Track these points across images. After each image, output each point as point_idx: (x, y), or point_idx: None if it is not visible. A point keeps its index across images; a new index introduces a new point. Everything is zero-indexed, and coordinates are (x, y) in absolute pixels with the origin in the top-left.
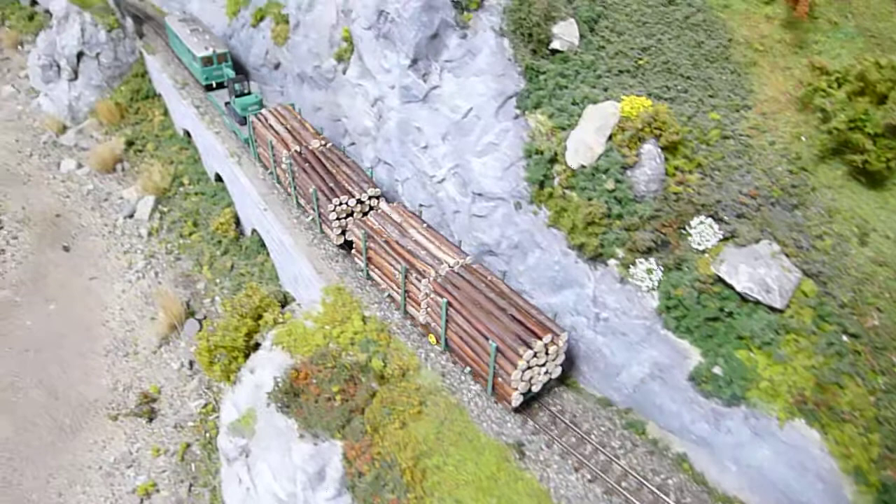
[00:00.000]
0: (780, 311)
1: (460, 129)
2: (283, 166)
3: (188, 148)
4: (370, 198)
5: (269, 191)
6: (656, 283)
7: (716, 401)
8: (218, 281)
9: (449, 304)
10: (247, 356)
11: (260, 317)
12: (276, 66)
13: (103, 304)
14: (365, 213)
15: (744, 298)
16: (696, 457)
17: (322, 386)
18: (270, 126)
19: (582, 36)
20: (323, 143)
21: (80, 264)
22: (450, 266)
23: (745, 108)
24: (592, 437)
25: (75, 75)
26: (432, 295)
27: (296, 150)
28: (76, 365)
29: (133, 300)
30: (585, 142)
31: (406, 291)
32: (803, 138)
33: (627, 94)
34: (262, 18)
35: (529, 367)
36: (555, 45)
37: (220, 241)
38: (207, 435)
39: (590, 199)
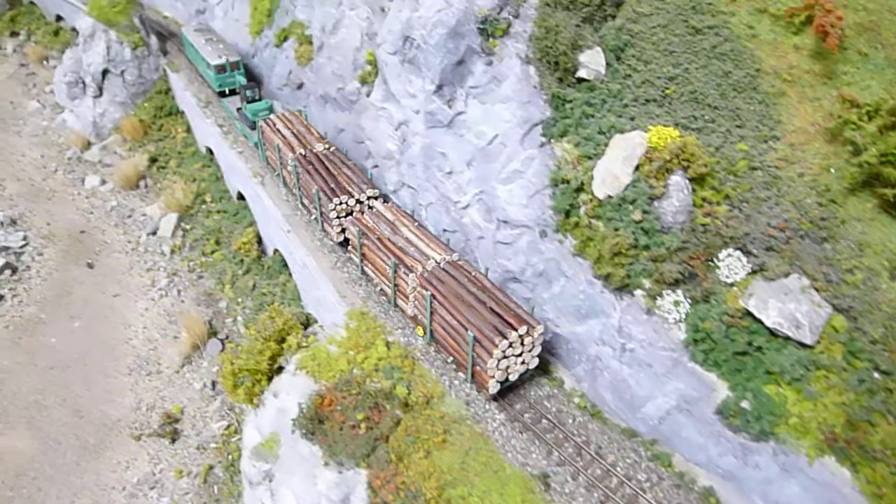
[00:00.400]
0: (811, 347)
1: (485, 155)
2: (289, 168)
3: (210, 165)
4: (369, 198)
5: (292, 212)
6: (684, 316)
7: (744, 435)
8: (240, 300)
9: (433, 296)
10: (270, 379)
11: (283, 340)
12: (299, 87)
13: (126, 322)
14: (363, 213)
15: (773, 333)
16: (723, 491)
17: (347, 413)
18: (278, 130)
19: (608, 64)
20: (326, 146)
21: (103, 281)
22: (436, 262)
23: (774, 138)
24: (618, 468)
25: (100, 92)
26: (418, 288)
27: (300, 153)
28: (100, 383)
29: (156, 318)
30: (612, 172)
31: (395, 285)
32: (832, 170)
33: (654, 124)
34: (285, 39)
35: (505, 357)
36: (581, 73)
37: (242, 261)
38: (230, 457)
39: (616, 230)
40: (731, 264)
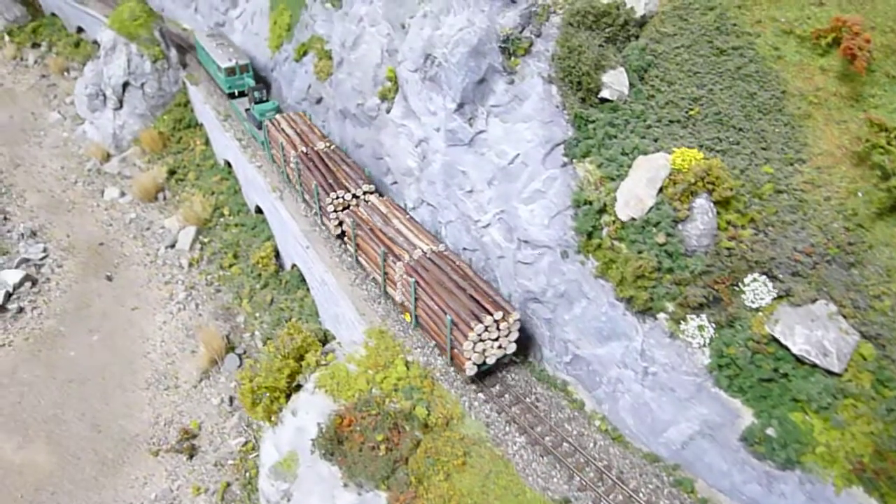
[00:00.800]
0: (838, 375)
1: (507, 174)
2: (291, 165)
3: (228, 178)
4: (365, 193)
5: (311, 228)
6: (708, 341)
7: (769, 463)
8: (258, 315)
9: (417, 283)
10: (288, 396)
11: (302, 357)
12: (318, 101)
13: (145, 336)
14: (358, 206)
15: (800, 360)
16: None
17: (366, 434)
18: (282, 129)
19: (632, 85)
20: (327, 144)
21: (122, 294)
22: (423, 251)
23: (800, 161)
24: (640, 494)
25: (120, 104)
26: (405, 276)
27: (302, 151)
28: (118, 398)
29: (174, 332)
30: (636, 194)
31: (385, 273)
32: (860, 194)
33: (678, 145)
34: (304, 53)
35: (482, 340)
36: (604, 93)
37: (259, 275)
38: (247, 475)
39: (640, 252)
40: (757, 289)
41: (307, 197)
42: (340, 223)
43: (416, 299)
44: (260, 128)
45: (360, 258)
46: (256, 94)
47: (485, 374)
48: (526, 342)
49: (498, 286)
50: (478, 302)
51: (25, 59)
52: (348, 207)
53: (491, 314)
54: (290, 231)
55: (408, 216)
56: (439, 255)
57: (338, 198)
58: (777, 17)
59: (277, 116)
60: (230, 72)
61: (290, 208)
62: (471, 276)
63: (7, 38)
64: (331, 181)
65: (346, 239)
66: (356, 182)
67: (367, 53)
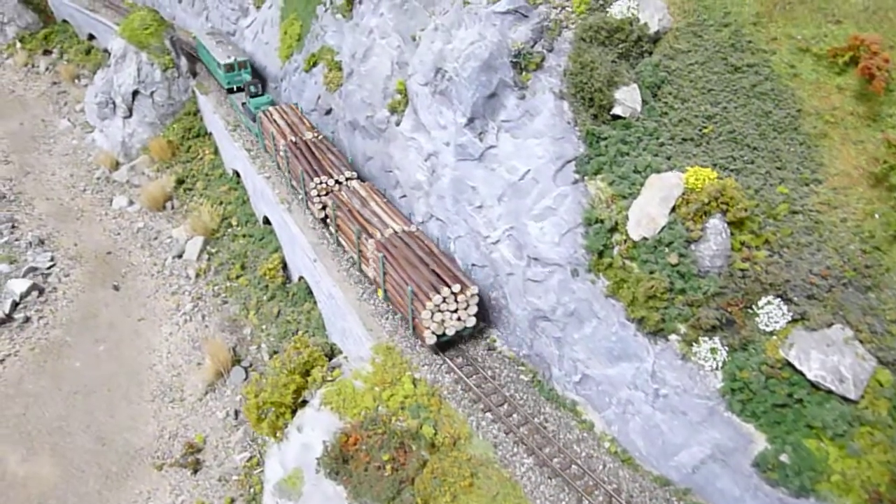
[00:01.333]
0: (854, 402)
1: (517, 190)
2: (281, 153)
3: (237, 188)
4: (347, 179)
5: (319, 240)
6: (720, 364)
7: (783, 490)
8: (264, 327)
9: (385, 258)
10: (293, 412)
11: (308, 372)
12: (328, 112)
13: (151, 347)
14: (340, 189)
15: (815, 386)
16: None
17: (372, 453)
18: (274, 120)
19: (644, 102)
20: (315, 135)
21: (129, 304)
22: (394, 231)
23: (815, 181)
24: None
25: (130, 113)
26: (375, 252)
27: (291, 140)
28: (123, 410)
29: (180, 343)
30: (648, 213)
31: (360, 251)
32: (877, 216)
33: (691, 164)
34: (314, 64)
35: (440, 311)
36: (616, 110)
37: (266, 287)
38: (252, 490)
39: (651, 272)
40: (771, 312)
41: (294, 183)
42: (324, 207)
43: (384, 273)
44: (255, 120)
45: (339, 238)
46: (252, 88)
47: (445, 345)
48: (486, 317)
49: (507, 303)
50: (438, 275)
51: (37, 65)
52: (331, 192)
53: (449, 286)
54: (299, 243)
55: (385, 199)
56: (409, 235)
57: (321, 183)
58: (793, 34)
59: (270, 108)
60: (229, 68)
61: (299, 221)
62: (436, 253)
63: (19, 44)
64: (316, 168)
65: (328, 222)
66: (339, 169)
67: (378, 65)
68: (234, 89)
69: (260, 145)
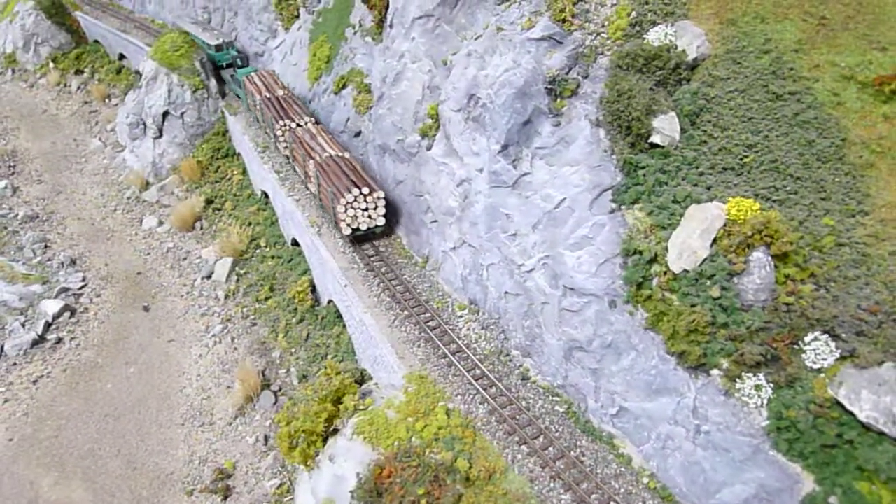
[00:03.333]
0: None
1: (552, 219)
2: (258, 106)
3: (265, 209)
4: (305, 122)
5: (349, 265)
6: (765, 401)
7: None
8: (293, 351)
9: (319, 173)
10: (325, 440)
11: (340, 400)
12: (357, 135)
13: (181, 370)
14: (296, 125)
15: (866, 427)
16: None
17: (406, 486)
18: (255, 82)
19: (683, 130)
20: (285, 92)
21: (159, 325)
22: (329, 154)
23: (862, 213)
24: None
25: (160, 133)
26: (314, 170)
27: (265, 96)
28: (154, 434)
29: (209, 366)
30: (689, 245)
31: (305, 172)
32: None
33: (732, 194)
34: (343, 86)
35: (353, 208)
36: (654, 138)
37: (296, 309)
38: None
39: (693, 306)
40: (818, 349)
41: (267, 130)
42: (287, 146)
43: (318, 185)
44: (241, 86)
45: (294, 166)
46: (239, 61)
47: (361, 239)
48: (396, 222)
49: (541, 332)
50: (354, 182)
51: (69, 85)
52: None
53: (359, 188)
54: (329, 268)
55: (330, 135)
56: (340, 157)
57: (285, 125)
58: (836, 61)
59: (252, 73)
60: (218, 48)
61: (329, 245)
62: (357, 169)
63: (52, 64)
64: (282, 115)
65: (290, 156)
66: (301, 116)
67: (409, 90)
68: (224, 66)
69: (244, 103)
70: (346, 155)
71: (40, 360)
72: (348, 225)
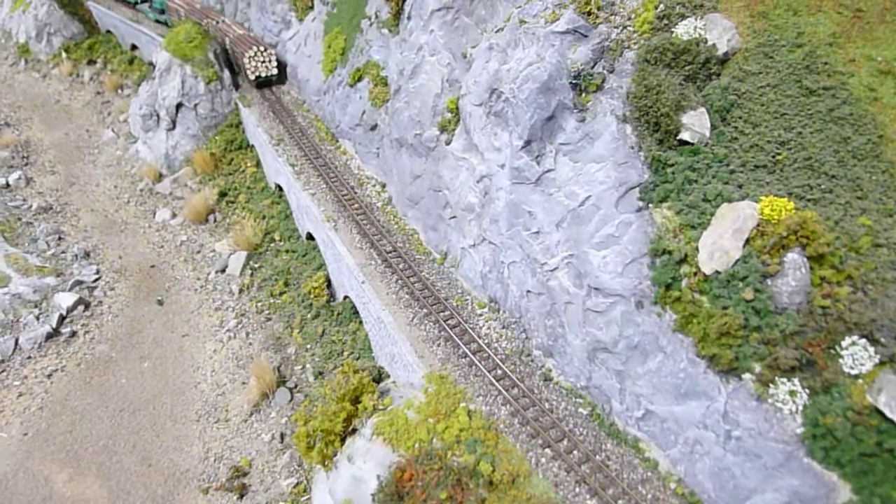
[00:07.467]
0: None
1: (577, 217)
2: (183, 16)
3: (279, 202)
4: (223, 20)
5: (367, 261)
6: (801, 407)
7: None
8: (308, 347)
9: (233, 43)
10: (343, 440)
11: (358, 399)
12: (373, 128)
13: (195, 365)
14: (217, 23)
15: None
16: None
17: (429, 490)
18: (176, 2)
19: (713, 126)
20: (200, 4)
21: (173, 320)
22: (238, 33)
23: None
24: None
25: (173, 125)
26: (230, 44)
27: (188, 8)
28: (169, 430)
29: (224, 362)
30: (721, 245)
31: (231, 47)
32: None
33: (765, 193)
34: (359, 79)
35: (255, 60)
36: (684, 135)
37: (311, 305)
38: None
39: (724, 308)
40: (856, 353)
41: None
42: (218, 35)
43: (233, 51)
44: (162, 12)
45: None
46: None
47: (263, 84)
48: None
49: (564, 332)
50: (256, 43)
51: (81, 75)
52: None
53: (257, 45)
54: (345, 264)
55: (238, 24)
56: (246, 35)
57: (210, 21)
58: (873, 55)
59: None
60: None
61: (345, 240)
62: (255, 38)
63: (64, 54)
64: (206, 16)
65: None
66: (219, 15)
67: (427, 83)
68: (140, 1)
69: (167, 20)
70: (250, 34)
71: (55, 353)
72: (252, 72)
